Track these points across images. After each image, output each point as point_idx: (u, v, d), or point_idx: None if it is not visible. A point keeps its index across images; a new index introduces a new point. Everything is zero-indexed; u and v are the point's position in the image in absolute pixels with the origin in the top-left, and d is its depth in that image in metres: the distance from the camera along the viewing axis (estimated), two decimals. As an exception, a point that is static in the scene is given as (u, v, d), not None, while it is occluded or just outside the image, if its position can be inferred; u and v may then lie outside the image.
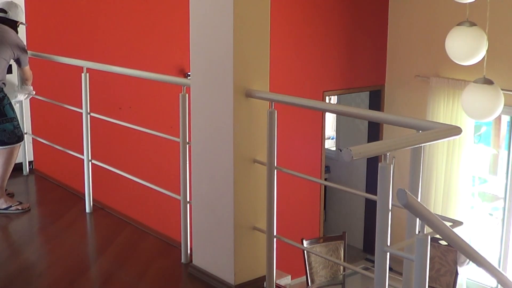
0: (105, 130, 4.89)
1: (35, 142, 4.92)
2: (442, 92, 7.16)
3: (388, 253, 2.05)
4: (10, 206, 4.10)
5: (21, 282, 3.18)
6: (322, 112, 7.07)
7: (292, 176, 2.99)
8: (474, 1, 4.59)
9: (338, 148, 9.10)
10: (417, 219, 2.08)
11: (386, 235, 2.04)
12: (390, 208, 2.02)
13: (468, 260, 4.21)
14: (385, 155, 2.01)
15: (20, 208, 4.12)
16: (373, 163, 7.73)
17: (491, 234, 7.44)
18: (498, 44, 6.07)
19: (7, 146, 4.15)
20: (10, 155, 4.17)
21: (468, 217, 7.17)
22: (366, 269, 5.88)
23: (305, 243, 5.14)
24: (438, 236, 2.05)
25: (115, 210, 4.11)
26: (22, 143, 4.32)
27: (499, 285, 2.70)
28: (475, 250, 2.21)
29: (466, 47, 4.68)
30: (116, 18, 5.52)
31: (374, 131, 8.03)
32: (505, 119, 7.27)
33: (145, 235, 3.71)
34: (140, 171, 4.66)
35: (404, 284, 2.21)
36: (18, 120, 4.25)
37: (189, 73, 3.58)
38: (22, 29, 4.84)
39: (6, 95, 4.18)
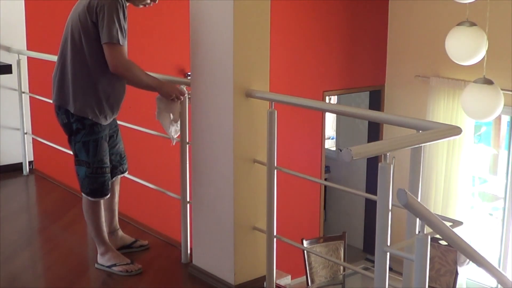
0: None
1: (35, 142, 4.92)
2: (442, 92, 7.16)
3: (388, 253, 2.05)
4: (114, 265, 3.20)
5: (21, 282, 3.17)
6: (322, 112, 7.07)
7: (292, 176, 2.99)
8: (474, 1, 4.59)
9: (338, 148, 9.10)
10: (417, 219, 2.08)
11: (386, 235, 2.04)
12: (390, 208, 2.02)
13: (468, 260, 4.21)
14: (385, 155, 2.01)
15: (124, 270, 3.18)
16: (373, 163, 7.73)
17: (491, 234, 7.44)
18: (498, 44, 6.06)
19: (83, 195, 3.16)
20: (87, 207, 3.16)
21: (468, 217, 7.17)
22: (366, 269, 5.88)
23: (305, 243, 5.14)
24: (438, 236, 2.05)
25: (115, 210, 4.10)
26: (103, 200, 3.17)
27: (499, 285, 2.70)
28: (475, 250, 2.21)
29: (466, 47, 4.68)
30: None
31: (374, 131, 8.03)
32: (505, 119, 7.27)
33: (145, 235, 3.71)
34: (140, 171, 4.65)
35: (404, 284, 2.20)
36: (98, 167, 3.05)
37: (189, 73, 3.58)
38: (22, 29, 4.84)
39: (86, 126, 3.01)
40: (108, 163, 3.13)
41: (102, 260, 3.23)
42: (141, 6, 3.12)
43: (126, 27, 2.95)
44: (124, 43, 2.94)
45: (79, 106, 2.98)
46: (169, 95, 3.09)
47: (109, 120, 3.13)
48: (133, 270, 3.19)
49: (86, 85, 2.98)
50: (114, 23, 2.86)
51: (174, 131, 3.21)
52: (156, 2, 3.11)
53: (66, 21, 3.08)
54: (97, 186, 3.08)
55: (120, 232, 3.45)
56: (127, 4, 3.04)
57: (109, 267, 3.20)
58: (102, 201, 3.19)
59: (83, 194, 3.15)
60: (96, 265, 3.25)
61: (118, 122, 3.62)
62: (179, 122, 3.20)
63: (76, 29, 2.96)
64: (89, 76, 2.98)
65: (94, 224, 3.19)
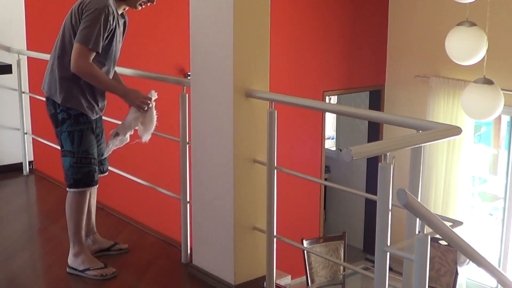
0: (104, 130, 4.89)
1: (35, 142, 4.92)
2: (442, 92, 7.16)
3: (388, 253, 2.05)
4: (88, 269, 3.12)
5: (21, 282, 3.18)
6: (322, 112, 7.08)
7: (292, 176, 2.99)
8: (474, 1, 4.59)
9: (338, 148, 9.11)
10: (417, 219, 2.08)
11: (386, 235, 2.04)
12: (390, 208, 2.02)
13: (468, 260, 4.21)
14: (385, 155, 2.01)
15: (99, 274, 3.10)
16: (373, 163, 7.73)
17: (491, 234, 7.44)
18: (498, 44, 6.07)
19: (67, 189, 3.13)
20: (71, 201, 3.13)
21: (468, 217, 7.17)
22: (366, 269, 5.89)
23: (305, 243, 5.14)
24: (438, 236, 2.05)
25: (115, 210, 4.11)
26: (91, 189, 3.15)
27: (499, 285, 2.70)
28: (475, 250, 2.21)
29: (466, 47, 4.68)
30: (116, 18, 5.51)
31: (374, 131, 8.03)
32: (505, 119, 7.27)
33: (145, 235, 3.71)
34: (140, 171, 4.66)
35: (404, 284, 2.21)
36: (83, 157, 3.04)
37: (189, 73, 3.59)
38: (22, 29, 4.84)
39: (71, 116, 3.03)
40: (95, 155, 3.12)
41: (75, 263, 3.14)
42: (139, 8, 3.14)
43: (105, 35, 2.96)
44: (98, 49, 2.94)
45: (64, 97, 3.03)
46: (132, 102, 3.11)
47: (95, 115, 3.15)
48: (107, 274, 3.11)
49: (71, 78, 3.02)
50: (94, 28, 2.90)
51: (120, 141, 3.22)
52: (154, 2, 3.12)
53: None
54: (80, 176, 3.05)
55: (97, 236, 3.38)
56: (126, 8, 3.12)
57: (82, 271, 3.12)
58: (87, 199, 3.15)
59: (67, 188, 3.11)
60: (68, 269, 3.15)
61: (118, 122, 3.63)
62: (127, 135, 3.23)
63: (68, 25, 3.04)
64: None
65: (75, 220, 3.11)
